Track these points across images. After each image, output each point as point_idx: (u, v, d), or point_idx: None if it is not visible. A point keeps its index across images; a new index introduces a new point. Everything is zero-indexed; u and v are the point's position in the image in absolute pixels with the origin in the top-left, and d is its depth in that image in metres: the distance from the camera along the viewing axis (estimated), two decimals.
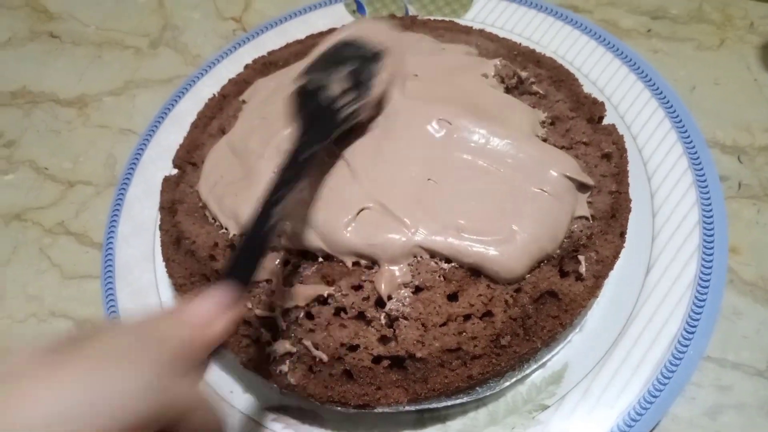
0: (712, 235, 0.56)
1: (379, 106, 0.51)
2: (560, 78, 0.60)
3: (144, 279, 0.60)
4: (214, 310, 0.34)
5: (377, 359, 0.47)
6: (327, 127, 0.47)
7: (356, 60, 0.50)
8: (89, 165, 0.74)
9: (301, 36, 0.69)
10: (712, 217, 0.56)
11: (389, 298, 0.46)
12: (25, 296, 0.66)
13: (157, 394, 0.29)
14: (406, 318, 0.46)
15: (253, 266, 0.39)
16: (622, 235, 0.52)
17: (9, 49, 0.87)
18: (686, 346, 0.51)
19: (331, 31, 0.66)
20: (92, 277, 0.66)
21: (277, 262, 0.49)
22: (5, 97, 0.82)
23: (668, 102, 0.63)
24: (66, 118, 0.79)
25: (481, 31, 0.66)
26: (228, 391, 0.54)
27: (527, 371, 0.51)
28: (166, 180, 0.60)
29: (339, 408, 0.48)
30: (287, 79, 0.57)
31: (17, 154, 0.77)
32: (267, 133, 0.53)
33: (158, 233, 0.61)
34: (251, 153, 0.53)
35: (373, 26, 0.54)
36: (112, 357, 0.29)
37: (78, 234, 0.69)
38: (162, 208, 0.58)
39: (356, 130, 0.50)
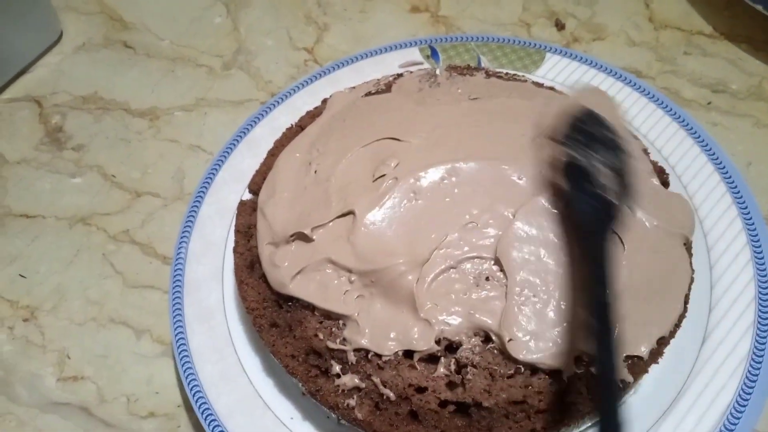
0: (767, 312, 0.57)
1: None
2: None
3: (212, 298, 0.62)
4: None
5: (443, 403, 0.48)
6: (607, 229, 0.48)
7: (611, 149, 0.50)
8: (157, 177, 0.77)
9: (377, 75, 0.71)
10: None
11: (459, 344, 0.48)
12: (86, 300, 0.68)
13: None
14: (474, 366, 0.48)
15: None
16: (685, 302, 0.54)
17: (83, 53, 0.90)
18: (738, 419, 0.53)
19: (399, 76, 0.68)
20: (154, 288, 0.68)
21: (356, 297, 0.51)
22: (77, 101, 0.85)
23: (729, 176, 0.65)
24: (136, 128, 0.81)
25: (552, 89, 0.68)
26: (288, 417, 0.56)
27: (582, 428, 0.53)
28: (242, 204, 0.62)
29: None
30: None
31: (86, 158, 0.79)
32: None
33: (228, 254, 0.63)
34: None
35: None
36: None
37: (142, 244, 0.71)
38: (237, 232, 0.60)
39: None
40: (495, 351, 0.48)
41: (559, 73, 0.74)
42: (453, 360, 0.49)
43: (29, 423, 0.61)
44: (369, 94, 0.67)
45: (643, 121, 0.69)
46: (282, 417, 0.56)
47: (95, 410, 0.62)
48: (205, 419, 0.55)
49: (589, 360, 0.48)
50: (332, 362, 0.51)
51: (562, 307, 0.48)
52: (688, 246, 0.56)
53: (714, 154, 0.66)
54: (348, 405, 0.50)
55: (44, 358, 0.65)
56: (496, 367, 0.48)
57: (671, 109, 0.70)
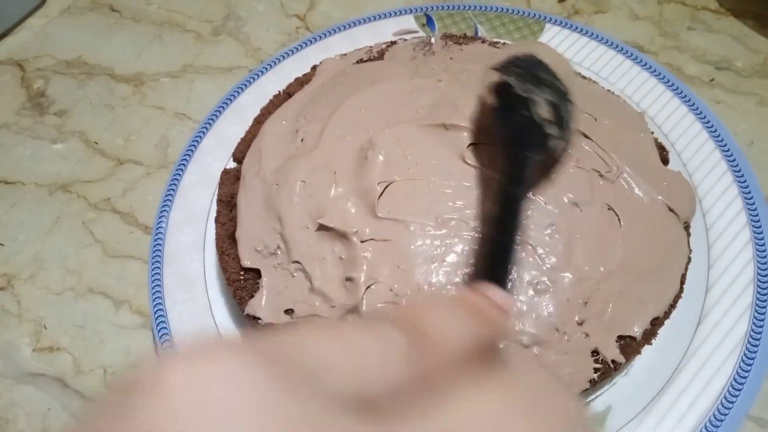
0: (765, 294, 0.55)
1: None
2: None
3: (192, 268, 0.60)
4: (502, 300, 0.28)
5: None
6: (531, 149, 0.44)
7: (554, 91, 0.46)
8: (141, 144, 0.74)
9: (370, 43, 0.69)
10: (767, 276, 0.56)
11: None
12: (65, 269, 0.66)
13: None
14: None
15: (508, 274, 0.35)
16: (682, 282, 0.52)
17: (68, 16, 0.87)
18: (732, 402, 0.51)
19: (393, 43, 0.66)
20: (135, 258, 0.66)
21: None
22: (60, 66, 0.82)
23: (731, 155, 0.63)
24: (121, 94, 0.79)
25: None
26: None
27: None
28: (226, 173, 0.60)
29: None
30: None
31: (68, 124, 0.77)
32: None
33: (211, 224, 0.61)
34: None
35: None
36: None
37: (124, 213, 0.69)
38: (220, 201, 0.58)
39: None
40: None
41: (559, 44, 0.71)
42: None
43: (3, 394, 0.59)
44: (360, 61, 0.65)
45: (644, 96, 0.67)
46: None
47: (71, 381, 0.60)
48: None
49: None
50: None
51: None
52: (686, 225, 0.54)
53: (716, 131, 0.64)
54: None
55: (20, 327, 0.63)
56: None
57: (673, 85, 0.67)
